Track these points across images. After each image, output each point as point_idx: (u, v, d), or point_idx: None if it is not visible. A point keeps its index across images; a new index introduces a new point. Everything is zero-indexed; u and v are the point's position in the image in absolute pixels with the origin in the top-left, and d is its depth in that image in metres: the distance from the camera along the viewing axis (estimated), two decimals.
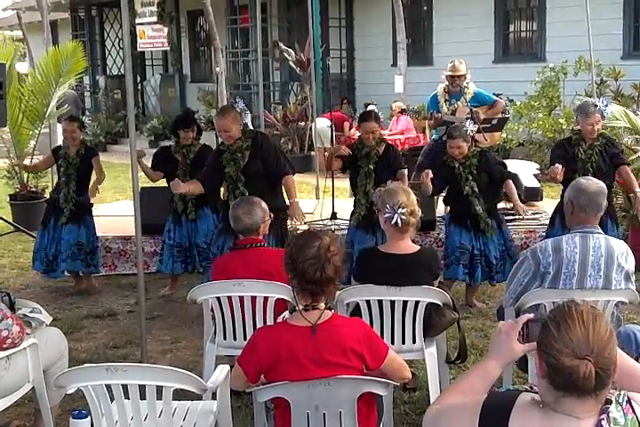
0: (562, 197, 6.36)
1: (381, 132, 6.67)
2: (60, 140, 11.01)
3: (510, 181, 6.42)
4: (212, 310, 4.41)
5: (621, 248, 4.07)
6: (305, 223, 7.71)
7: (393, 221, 4.21)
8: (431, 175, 6.13)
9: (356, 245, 6.34)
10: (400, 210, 4.20)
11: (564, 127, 11.70)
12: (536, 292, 4.04)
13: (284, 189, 6.08)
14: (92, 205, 7.20)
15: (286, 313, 3.50)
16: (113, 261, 7.72)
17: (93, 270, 7.18)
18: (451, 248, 6.34)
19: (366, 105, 14.47)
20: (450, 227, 6.40)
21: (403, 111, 8.38)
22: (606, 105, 6.31)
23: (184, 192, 6.19)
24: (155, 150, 7.46)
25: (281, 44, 15.88)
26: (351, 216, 6.61)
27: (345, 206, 7.77)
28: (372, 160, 6.33)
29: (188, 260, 6.92)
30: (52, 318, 4.16)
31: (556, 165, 5.99)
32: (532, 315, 2.34)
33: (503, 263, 6.31)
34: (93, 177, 7.09)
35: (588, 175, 5.95)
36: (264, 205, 4.75)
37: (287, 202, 6.02)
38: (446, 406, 2.24)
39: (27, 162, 8.99)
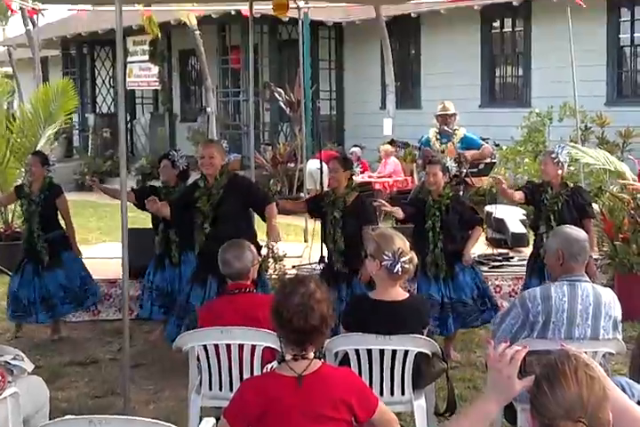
0: (534, 247, 6.44)
1: (361, 176, 6.57)
2: None
3: (479, 229, 6.32)
4: (199, 358, 4.30)
5: (608, 296, 4.07)
6: (293, 267, 7.67)
7: (395, 270, 4.05)
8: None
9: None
10: (402, 258, 4.05)
11: None
12: (525, 342, 3.98)
13: (265, 216, 5.95)
14: (66, 238, 6.90)
15: (274, 363, 3.44)
16: (96, 306, 7.40)
17: (95, 300, 7.02)
18: None
19: (355, 147, 14.55)
20: (420, 275, 6.09)
21: (392, 144, 8.42)
22: (563, 148, 6.35)
23: (155, 211, 5.99)
24: None
25: (272, 85, 15.92)
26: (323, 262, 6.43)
27: None
28: (338, 207, 6.00)
29: (168, 305, 6.64)
30: (33, 366, 4.06)
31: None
32: (527, 348, 2.26)
33: (480, 305, 6.16)
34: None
35: (550, 223, 6.05)
36: (253, 248, 4.69)
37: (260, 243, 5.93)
38: None
39: None
